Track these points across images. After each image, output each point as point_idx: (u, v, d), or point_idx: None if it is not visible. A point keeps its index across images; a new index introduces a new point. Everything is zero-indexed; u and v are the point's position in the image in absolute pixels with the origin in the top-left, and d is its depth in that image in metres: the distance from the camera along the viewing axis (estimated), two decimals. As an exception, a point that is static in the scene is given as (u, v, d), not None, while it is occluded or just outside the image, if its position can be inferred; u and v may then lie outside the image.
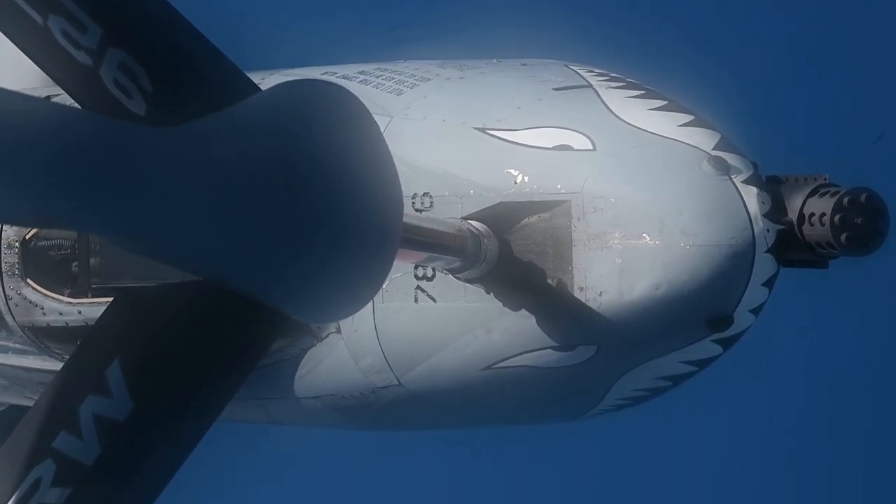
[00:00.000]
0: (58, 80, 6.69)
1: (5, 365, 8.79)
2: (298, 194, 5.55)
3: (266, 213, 5.58)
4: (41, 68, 6.66)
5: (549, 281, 6.89)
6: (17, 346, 8.45)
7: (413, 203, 7.12)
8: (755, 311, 6.86)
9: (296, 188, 5.54)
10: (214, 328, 6.13)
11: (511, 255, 6.97)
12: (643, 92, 7.14)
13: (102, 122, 5.61)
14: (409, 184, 7.13)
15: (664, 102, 7.04)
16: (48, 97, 9.29)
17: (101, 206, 5.34)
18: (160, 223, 5.51)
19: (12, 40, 6.58)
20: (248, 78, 6.38)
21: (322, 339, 7.54)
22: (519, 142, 7.00)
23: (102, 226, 5.67)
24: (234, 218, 5.57)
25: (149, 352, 6.12)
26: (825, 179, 6.80)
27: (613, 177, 6.78)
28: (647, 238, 6.67)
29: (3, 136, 4.97)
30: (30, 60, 10.03)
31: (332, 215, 5.68)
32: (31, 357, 8.52)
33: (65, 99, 8.92)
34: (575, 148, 6.89)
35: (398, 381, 7.38)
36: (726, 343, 6.97)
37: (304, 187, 5.58)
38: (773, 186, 6.82)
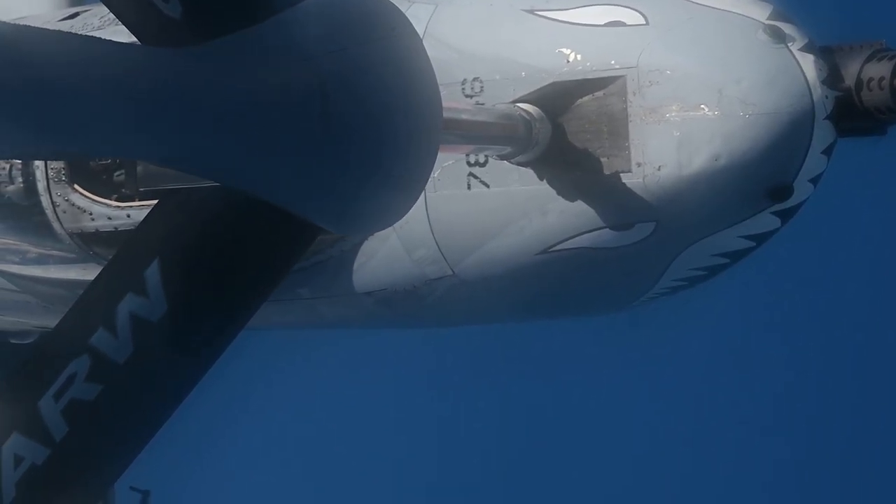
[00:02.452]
0: None
1: (47, 279, 8.72)
2: (334, 117, 5.59)
3: (302, 136, 5.62)
4: None
5: (605, 159, 6.85)
6: (61, 254, 8.38)
7: (463, 89, 7.06)
8: (814, 181, 6.84)
9: (331, 112, 5.58)
10: (251, 232, 6.10)
11: (564, 136, 6.92)
12: None
13: (137, 53, 5.60)
14: (459, 69, 7.08)
15: None
16: (73, 15, 9.22)
17: (136, 134, 5.37)
18: (198, 146, 5.56)
19: None
20: None
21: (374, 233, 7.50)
22: (569, 21, 6.95)
23: (140, 153, 5.73)
24: (271, 139, 5.60)
25: (186, 253, 6.09)
26: (882, 44, 6.76)
27: (669, 49, 6.73)
28: (706, 109, 6.63)
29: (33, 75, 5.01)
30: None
31: (367, 133, 5.71)
32: (74, 268, 8.45)
33: (81, 21, 8.87)
34: (627, 23, 6.84)
35: (452, 270, 7.34)
36: (785, 215, 6.94)
37: (340, 110, 5.61)
38: (827, 55, 6.78)
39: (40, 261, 8.61)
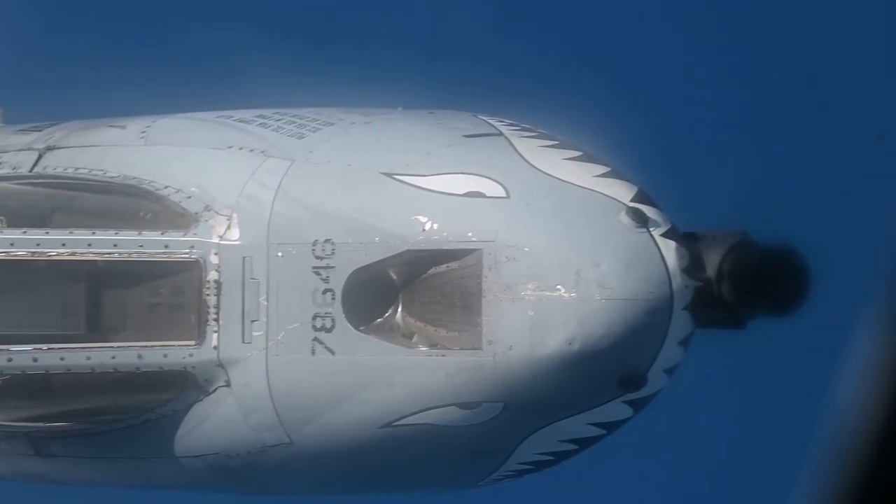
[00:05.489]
0: None
1: None
2: None
3: None
4: None
5: (455, 334, 6.58)
6: None
7: (314, 250, 6.76)
8: (669, 372, 6.61)
9: None
10: None
11: (414, 308, 6.67)
12: (557, 142, 6.91)
13: None
14: (310, 230, 6.78)
15: (580, 153, 6.81)
16: None
17: None
18: None
19: None
20: None
21: (209, 394, 7.07)
22: (428, 188, 6.70)
23: None
24: None
25: None
26: (744, 236, 6.61)
27: (528, 225, 6.50)
28: (562, 290, 6.39)
29: None
30: None
31: None
32: None
33: None
34: (487, 195, 6.61)
35: (289, 438, 6.96)
36: (637, 405, 6.69)
37: None
38: (690, 242, 6.60)
39: None
